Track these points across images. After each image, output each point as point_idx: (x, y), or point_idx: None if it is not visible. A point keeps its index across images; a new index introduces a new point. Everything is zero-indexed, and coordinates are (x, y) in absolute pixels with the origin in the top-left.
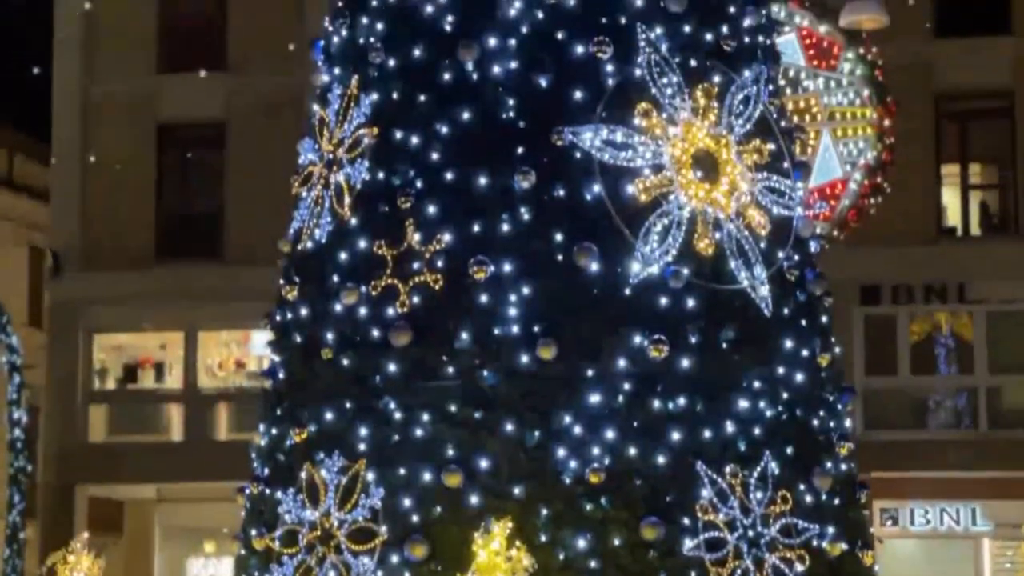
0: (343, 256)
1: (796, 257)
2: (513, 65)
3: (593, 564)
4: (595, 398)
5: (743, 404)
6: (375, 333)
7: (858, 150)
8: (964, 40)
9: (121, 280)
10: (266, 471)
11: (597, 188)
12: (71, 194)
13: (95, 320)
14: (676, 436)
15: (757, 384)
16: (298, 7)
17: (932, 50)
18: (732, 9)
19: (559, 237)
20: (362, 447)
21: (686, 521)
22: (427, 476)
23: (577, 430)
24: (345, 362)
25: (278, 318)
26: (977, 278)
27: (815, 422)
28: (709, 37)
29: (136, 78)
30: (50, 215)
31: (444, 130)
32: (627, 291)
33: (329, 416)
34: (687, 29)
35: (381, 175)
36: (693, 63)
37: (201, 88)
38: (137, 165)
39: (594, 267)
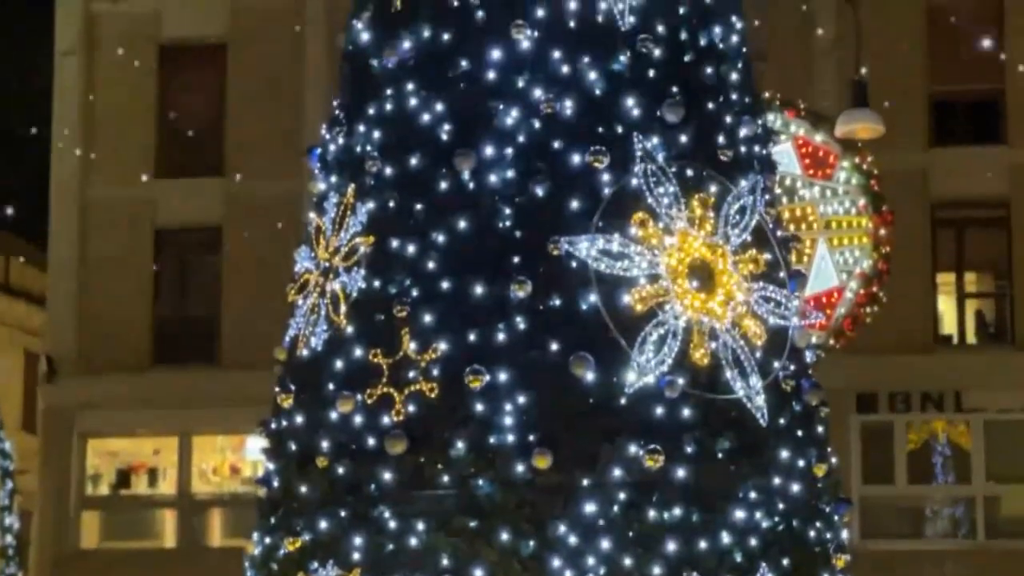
0: (339, 364)
1: (792, 367)
2: (510, 174)
3: None
4: (590, 508)
5: (739, 515)
6: (370, 442)
7: (854, 259)
8: (959, 149)
9: (116, 385)
10: None
11: (593, 298)
12: (67, 299)
13: (89, 425)
14: (672, 547)
15: (753, 495)
16: (297, 114)
17: (928, 159)
18: (728, 119)
19: (555, 346)
20: (356, 556)
21: None
22: None
23: (572, 540)
24: (340, 470)
25: (273, 426)
26: (974, 387)
27: (812, 533)
28: (706, 147)
29: (134, 183)
30: (46, 320)
31: (440, 239)
32: (623, 400)
33: (323, 525)
34: (684, 139)
35: (377, 284)
36: (690, 173)
37: (199, 193)
38: (134, 269)
39: (590, 376)
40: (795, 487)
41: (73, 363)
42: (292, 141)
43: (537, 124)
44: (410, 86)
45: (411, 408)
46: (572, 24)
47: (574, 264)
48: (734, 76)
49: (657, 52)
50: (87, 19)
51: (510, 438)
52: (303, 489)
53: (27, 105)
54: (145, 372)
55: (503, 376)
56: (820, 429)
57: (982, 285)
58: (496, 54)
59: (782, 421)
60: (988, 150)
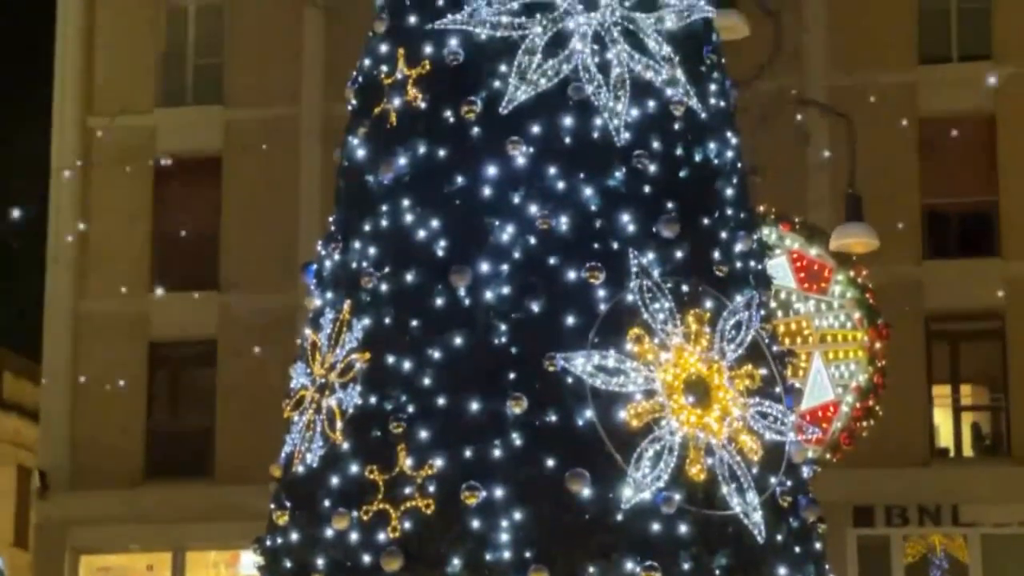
0: (334, 481)
1: (789, 483)
2: (505, 290)
3: None
4: None
5: None
6: (366, 559)
7: (850, 373)
8: (954, 262)
9: (109, 500)
10: None
11: (589, 414)
12: (61, 413)
13: (82, 541)
14: None
15: None
16: (292, 229)
17: (922, 271)
18: (724, 235)
19: (551, 462)
20: None
21: None
22: None
23: None
24: None
25: (268, 543)
26: (971, 500)
27: None
28: (701, 262)
29: (129, 296)
30: (39, 434)
31: (436, 355)
32: (619, 517)
33: None
34: (679, 255)
35: (373, 400)
36: (685, 288)
37: (193, 307)
38: (128, 383)
39: (586, 492)
40: None
41: (66, 478)
42: (287, 255)
43: (533, 240)
44: (406, 202)
45: (407, 525)
46: (567, 140)
47: (570, 380)
48: (729, 192)
49: (652, 168)
50: (84, 135)
51: (506, 555)
52: None
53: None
54: (138, 487)
55: (499, 492)
56: (818, 545)
57: (978, 398)
58: (492, 170)
59: (779, 537)
60: (982, 262)
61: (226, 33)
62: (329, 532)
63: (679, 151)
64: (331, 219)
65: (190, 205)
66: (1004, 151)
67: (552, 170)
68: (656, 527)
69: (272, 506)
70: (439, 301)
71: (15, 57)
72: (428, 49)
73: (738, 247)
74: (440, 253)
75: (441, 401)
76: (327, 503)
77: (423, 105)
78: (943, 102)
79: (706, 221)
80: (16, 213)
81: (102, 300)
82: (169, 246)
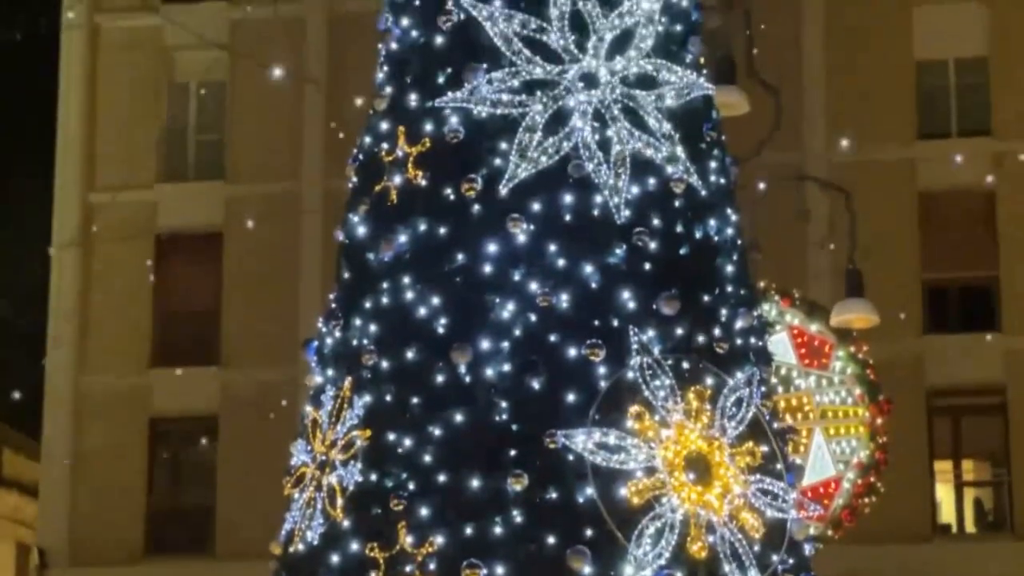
0: (335, 559)
1: (791, 560)
2: (506, 368)
3: None
4: None
5: None
6: None
7: (851, 449)
8: (954, 336)
9: None
10: None
11: (590, 491)
12: (60, 489)
13: None
14: None
15: None
16: (292, 305)
17: (923, 346)
18: (724, 311)
19: (552, 540)
20: None
21: None
22: None
23: None
24: None
25: None
26: None
27: None
28: (701, 339)
29: (129, 372)
30: (38, 511)
31: (437, 432)
32: None
33: None
34: (680, 332)
35: (374, 477)
36: (686, 365)
37: (194, 382)
38: (127, 460)
39: (587, 570)
40: None
41: (65, 555)
42: (288, 331)
43: (533, 317)
44: (406, 279)
45: None
46: (568, 218)
47: (571, 457)
48: (730, 268)
49: (653, 245)
50: (85, 211)
51: None
52: None
53: (23, 295)
54: (138, 564)
55: (500, 570)
56: None
57: (980, 473)
58: (492, 248)
59: None
60: (983, 337)
61: (228, 109)
62: None
63: (680, 228)
64: (332, 296)
65: (191, 280)
66: (1004, 226)
67: (552, 247)
68: None
69: None
70: (440, 378)
71: (17, 133)
72: (428, 127)
73: (739, 324)
74: (441, 330)
75: (442, 478)
76: None
77: (423, 183)
78: (943, 177)
79: (707, 298)
80: (17, 289)
81: (102, 376)
82: (170, 322)
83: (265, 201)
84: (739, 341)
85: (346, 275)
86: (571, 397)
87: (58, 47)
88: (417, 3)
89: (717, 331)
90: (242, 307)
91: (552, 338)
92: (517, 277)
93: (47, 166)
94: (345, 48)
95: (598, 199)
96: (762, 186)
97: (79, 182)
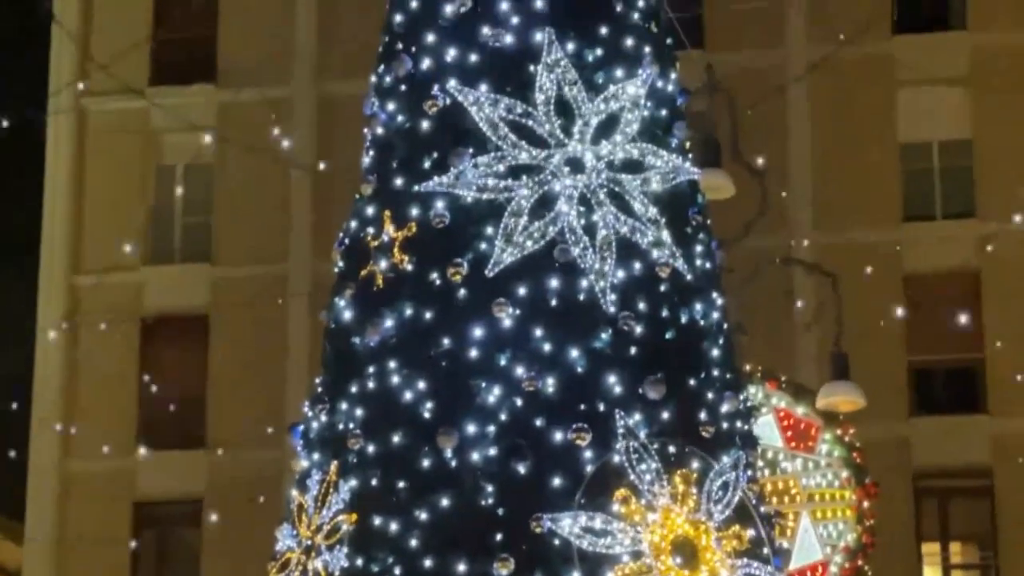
0: None
1: None
2: (492, 452)
3: None
4: None
5: None
6: None
7: (838, 532)
8: (941, 418)
9: None
10: None
11: (576, 575)
12: (44, 573)
13: None
14: None
15: None
16: (279, 389)
17: (909, 428)
18: (710, 395)
19: None
20: None
21: None
22: None
23: None
24: None
25: None
26: None
27: None
28: (688, 423)
29: (114, 456)
30: None
31: (423, 517)
32: None
33: None
34: (666, 416)
35: (360, 562)
36: (672, 449)
37: (180, 466)
38: (112, 543)
39: None
40: None
41: None
42: (274, 415)
43: (519, 401)
44: (392, 364)
45: None
46: (554, 302)
47: (557, 542)
48: (715, 352)
49: (639, 330)
50: (70, 293)
51: None
52: None
53: (7, 378)
54: None
55: None
56: None
57: (968, 556)
58: (478, 332)
59: None
60: (969, 419)
61: (214, 191)
62: None
63: (665, 313)
64: (318, 380)
65: (177, 363)
66: (989, 308)
67: (538, 332)
68: None
69: None
70: (426, 463)
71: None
72: (414, 211)
73: (724, 408)
74: (427, 415)
75: (428, 563)
76: None
77: (409, 267)
78: (928, 260)
79: (692, 382)
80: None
81: (87, 460)
82: (155, 405)
83: (251, 284)
84: (725, 425)
85: (332, 359)
86: (557, 481)
87: (45, 131)
88: (403, 88)
89: (703, 415)
90: (228, 390)
91: (538, 422)
92: (503, 361)
93: (33, 248)
94: (332, 131)
95: (584, 283)
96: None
97: (65, 264)
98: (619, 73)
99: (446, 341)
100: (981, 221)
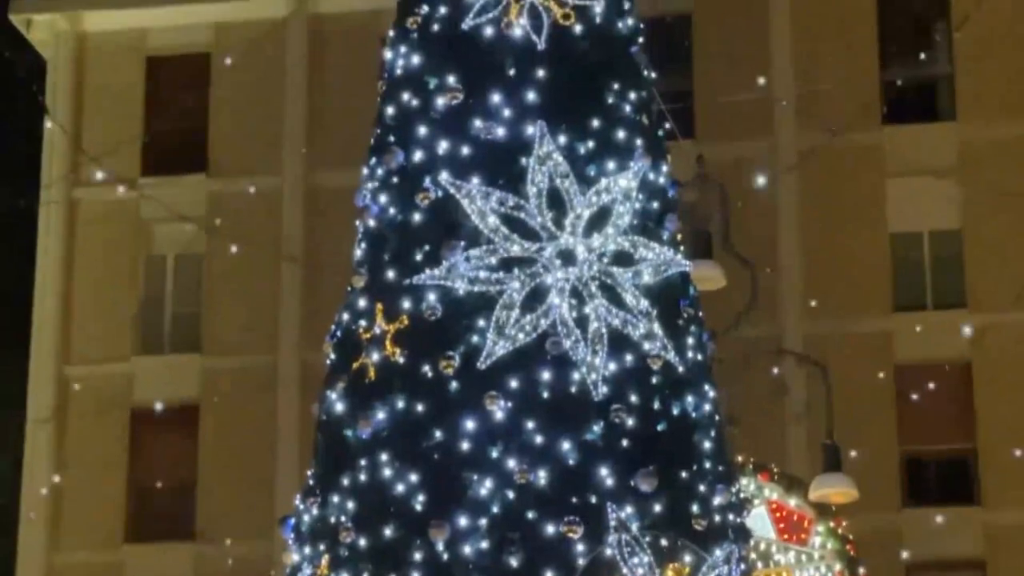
0: None
1: None
2: (484, 545)
3: None
4: None
5: None
6: None
7: None
8: (933, 510)
9: None
10: None
11: None
12: None
13: None
14: None
15: None
16: (269, 479)
17: (901, 519)
18: (703, 488)
19: None
20: None
21: None
22: None
23: None
24: None
25: None
26: None
27: None
28: (680, 516)
29: (102, 548)
30: None
31: None
32: None
33: None
34: (658, 508)
35: None
36: (664, 542)
37: (169, 557)
38: None
39: None
40: None
41: None
42: (264, 507)
43: (511, 494)
44: (384, 456)
45: None
46: (545, 395)
47: None
48: (707, 444)
49: (630, 422)
50: (60, 384)
51: None
52: None
53: None
54: None
55: None
56: None
57: None
58: (470, 425)
59: None
60: (962, 511)
61: (204, 282)
62: None
63: (657, 405)
64: (309, 473)
65: (166, 454)
66: (981, 399)
67: (530, 424)
68: None
69: None
70: (417, 556)
71: None
72: (406, 304)
73: (717, 500)
74: (418, 508)
75: None
76: None
77: (401, 360)
78: (919, 350)
79: (684, 475)
80: None
81: (76, 552)
82: (145, 496)
83: (241, 374)
84: (717, 518)
85: (324, 451)
86: (549, 574)
87: (35, 222)
88: (395, 180)
89: (696, 508)
90: (218, 482)
91: (530, 515)
92: (495, 454)
93: (23, 339)
94: (322, 221)
95: (576, 376)
96: (738, 360)
97: (55, 354)
98: (611, 165)
99: (438, 433)
100: (972, 312)
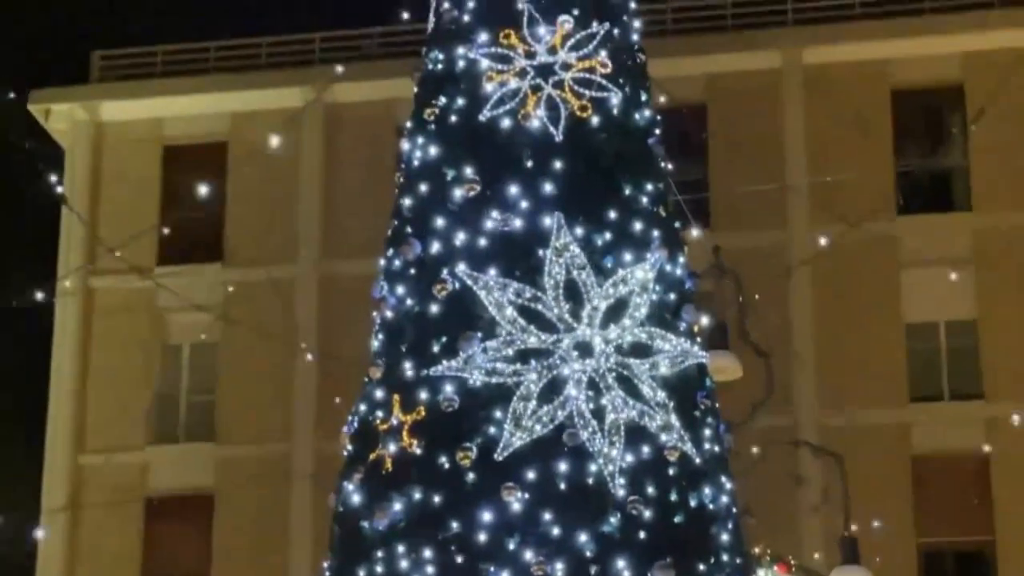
0: None
1: None
2: None
3: None
4: None
5: None
6: None
7: None
8: None
9: None
10: None
11: None
12: None
13: None
14: None
15: None
16: (282, 570)
17: None
18: None
19: None
20: None
21: None
22: None
23: None
24: None
25: None
26: None
27: None
28: None
29: None
30: None
31: None
32: None
33: None
34: None
35: None
36: None
37: None
38: None
39: None
40: None
41: None
42: None
43: None
44: (401, 548)
45: None
46: (563, 486)
47: None
48: (724, 536)
49: (647, 514)
50: (74, 473)
51: None
52: None
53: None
54: None
55: None
56: None
57: None
58: (487, 516)
59: None
60: None
61: (219, 371)
62: None
63: (674, 497)
64: (325, 564)
65: (180, 543)
66: (999, 489)
67: (547, 516)
68: None
69: None
70: None
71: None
72: (423, 395)
73: None
74: None
75: None
76: None
77: (418, 451)
78: (936, 441)
79: (702, 567)
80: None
81: None
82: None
83: (256, 464)
84: None
85: (340, 543)
86: None
87: (52, 310)
88: (412, 271)
89: None
90: (232, 571)
91: None
92: (512, 546)
93: (39, 429)
94: (337, 310)
95: (593, 468)
96: (755, 450)
97: (70, 444)
98: (628, 257)
99: (455, 525)
100: (989, 402)
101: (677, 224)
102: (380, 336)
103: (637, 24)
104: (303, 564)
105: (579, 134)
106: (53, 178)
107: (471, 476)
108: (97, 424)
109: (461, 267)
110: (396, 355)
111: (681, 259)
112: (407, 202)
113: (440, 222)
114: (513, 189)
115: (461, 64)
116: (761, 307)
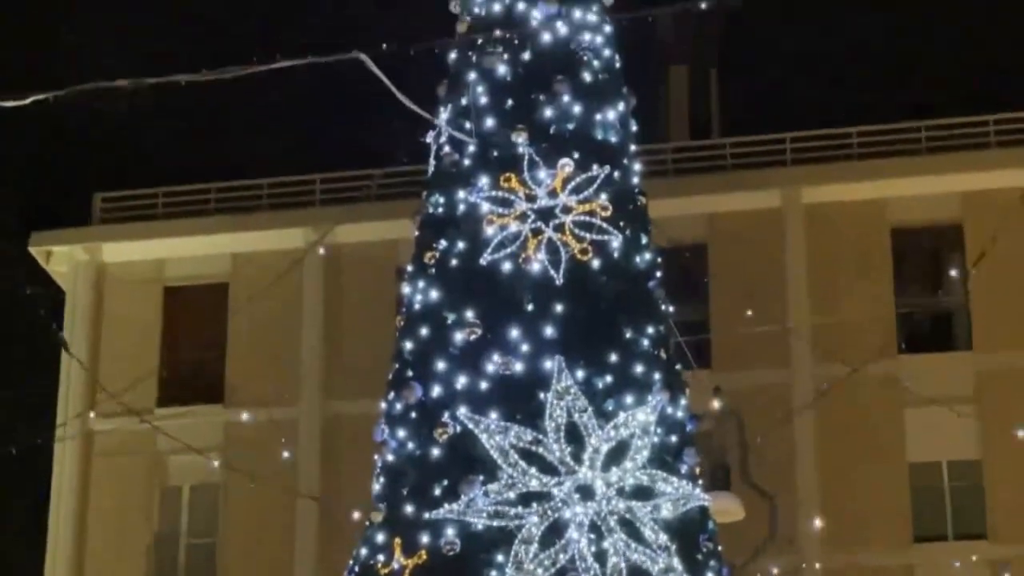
0: None
1: None
2: None
3: None
4: None
5: None
6: None
7: None
8: None
9: None
10: None
11: None
12: None
13: None
14: None
15: None
16: None
17: None
18: None
19: None
20: None
21: None
22: None
23: None
24: None
25: None
26: None
27: None
28: None
29: None
30: None
31: None
32: None
33: None
34: None
35: None
36: None
37: None
38: None
39: None
40: None
41: None
42: None
43: None
44: None
45: None
46: None
47: None
48: None
49: None
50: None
51: None
52: None
53: None
54: None
55: None
56: None
57: None
58: None
59: None
60: None
61: (220, 513)
62: None
63: None
64: None
65: None
66: None
67: None
68: None
69: None
70: None
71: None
72: (425, 539)
73: None
74: None
75: None
76: None
77: None
78: None
79: None
80: None
81: None
82: None
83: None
84: None
85: None
86: None
87: (51, 454)
88: (413, 415)
89: None
90: None
91: None
92: None
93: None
94: (338, 452)
95: None
96: None
97: None
98: (629, 400)
99: None
100: (993, 543)
101: (678, 366)
102: (381, 480)
103: (637, 167)
104: None
105: (580, 277)
106: (54, 327)
107: None
108: (96, 567)
109: (462, 410)
110: (397, 499)
111: (683, 401)
112: (408, 345)
113: (441, 365)
114: (514, 332)
115: (462, 208)
116: (763, 447)
